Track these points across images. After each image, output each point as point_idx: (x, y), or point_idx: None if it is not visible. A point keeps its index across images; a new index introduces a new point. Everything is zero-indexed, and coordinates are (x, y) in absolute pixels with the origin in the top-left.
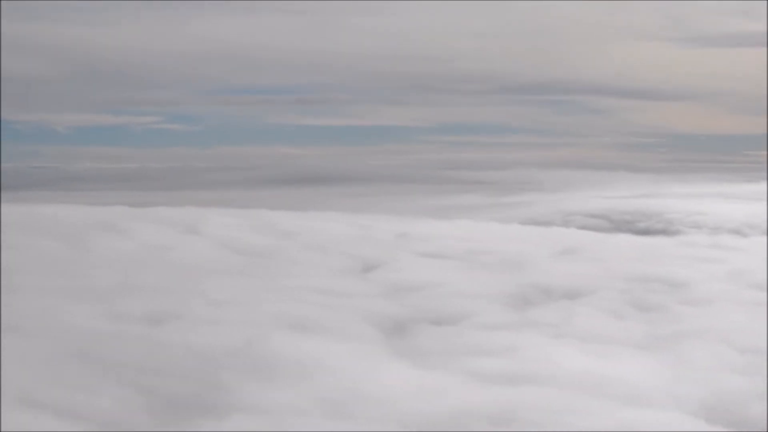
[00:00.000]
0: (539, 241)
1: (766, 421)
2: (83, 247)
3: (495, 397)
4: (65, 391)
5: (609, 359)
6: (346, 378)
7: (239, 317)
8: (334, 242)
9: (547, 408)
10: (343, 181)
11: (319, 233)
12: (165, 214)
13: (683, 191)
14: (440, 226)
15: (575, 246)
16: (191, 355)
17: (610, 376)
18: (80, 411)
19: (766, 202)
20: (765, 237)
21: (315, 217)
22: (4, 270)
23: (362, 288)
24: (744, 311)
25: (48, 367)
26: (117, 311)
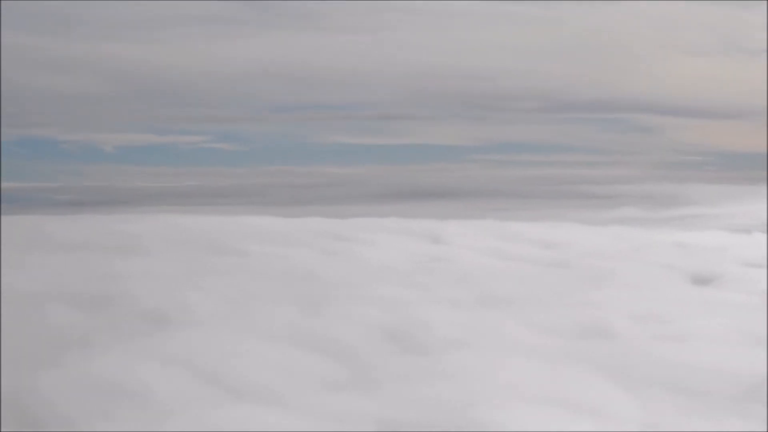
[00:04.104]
0: None
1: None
2: (347, 257)
3: None
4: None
5: None
6: None
7: (685, 331)
8: (615, 252)
9: None
10: (445, 196)
11: (579, 243)
12: (370, 224)
13: None
14: (685, 236)
15: None
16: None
17: None
18: None
19: None
20: None
21: (543, 225)
22: (310, 280)
23: (739, 299)
24: None
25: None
26: (540, 325)
